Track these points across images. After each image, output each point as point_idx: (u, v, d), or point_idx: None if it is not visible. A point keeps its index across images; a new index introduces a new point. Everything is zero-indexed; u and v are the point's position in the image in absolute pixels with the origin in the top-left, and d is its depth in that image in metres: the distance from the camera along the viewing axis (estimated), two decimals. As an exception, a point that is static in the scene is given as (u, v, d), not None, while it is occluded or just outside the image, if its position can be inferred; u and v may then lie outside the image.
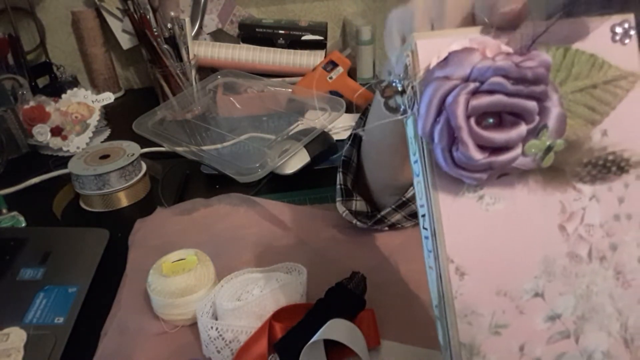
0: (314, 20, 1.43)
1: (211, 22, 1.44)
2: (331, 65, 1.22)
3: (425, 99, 0.31)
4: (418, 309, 0.63)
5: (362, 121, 0.74)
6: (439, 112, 0.31)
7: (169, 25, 1.22)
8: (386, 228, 0.76)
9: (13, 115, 1.09)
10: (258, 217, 0.84)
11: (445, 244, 0.34)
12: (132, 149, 0.93)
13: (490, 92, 0.30)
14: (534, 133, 0.31)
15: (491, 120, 0.31)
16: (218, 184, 0.95)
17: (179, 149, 0.97)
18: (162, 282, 0.62)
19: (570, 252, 0.35)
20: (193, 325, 0.62)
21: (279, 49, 1.34)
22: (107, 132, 1.22)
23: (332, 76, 1.21)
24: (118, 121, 1.26)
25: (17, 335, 0.60)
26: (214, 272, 0.65)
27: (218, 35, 1.48)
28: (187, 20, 1.22)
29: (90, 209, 0.90)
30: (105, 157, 0.91)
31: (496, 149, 0.31)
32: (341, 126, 1.09)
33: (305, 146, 0.94)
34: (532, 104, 0.31)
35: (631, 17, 0.34)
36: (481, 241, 0.34)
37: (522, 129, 0.31)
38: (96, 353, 0.59)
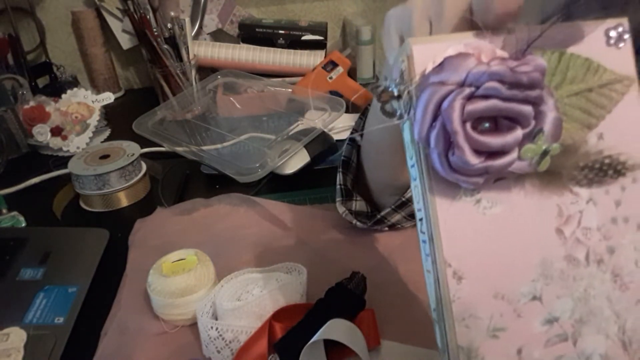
0: (314, 20, 1.43)
1: (211, 22, 1.44)
2: (331, 65, 1.22)
3: (421, 104, 0.32)
4: (418, 309, 0.63)
5: (361, 121, 0.74)
6: (434, 117, 0.31)
7: (169, 25, 1.22)
8: (386, 228, 0.76)
9: (13, 115, 1.09)
10: (258, 217, 0.84)
11: (442, 248, 0.34)
12: (132, 149, 0.93)
13: (486, 97, 0.30)
14: (530, 137, 0.32)
15: (487, 125, 0.31)
16: (218, 184, 0.95)
17: (179, 149, 0.97)
18: (162, 282, 0.62)
19: (567, 255, 0.35)
20: (193, 325, 0.62)
21: (279, 49, 1.34)
22: (107, 132, 1.22)
23: (332, 76, 1.21)
24: (118, 121, 1.26)
25: (17, 335, 0.60)
26: (214, 272, 0.65)
27: (218, 35, 1.47)
28: (187, 20, 1.22)
29: (90, 209, 0.90)
30: (105, 157, 0.91)
31: (492, 153, 0.31)
32: (341, 126, 1.09)
33: (305, 146, 0.94)
34: (527, 109, 0.31)
35: (625, 21, 0.35)
36: (478, 245, 0.34)
37: (518, 133, 0.31)
38: (96, 353, 0.60)
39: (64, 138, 1.11)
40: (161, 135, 1.00)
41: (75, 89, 1.19)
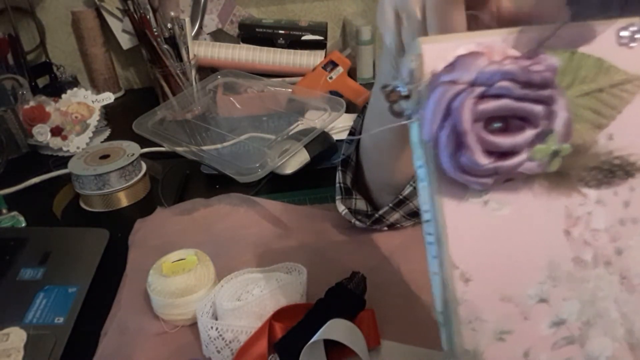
0: (314, 20, 1.43)
1: (211, 22, 1.44)
2: (331, 65, 1.22)
3: (431, 104, 0.31)
4: (418, 309, 0.63)
5: (360, 119, 0.74)
6: (445, 117, 0.31)
7: (169, 25, 1.22)
8: (385, 228, 0.76)
9: (13, 115, 1.09)
10: (258, 217, 0.84)
11: (450, 250, 0.34)
12: (132, 149, 0.93)
13: (497, 96, 0.30)
14: (541, 138, 0.31)
15: (497, 125, 0.31)
16: (218, 184, 0.95)
17: (179, 149, 0.97)
18: (162, 282, 0.62)
19: (575, 257, 0.35)
20: (193, 325, 0.62)
21: (279, 49, 1.34)
22: (107, 132, 1.22)
23: (332, 76, 1.21)
24: (118, 121, 1.26)
25: (17, 335, 0.60)
26: (214, 272, 0.65)
27: (218, 35, 1.47)
28: (187, 20, 1.21)
29: (90, 209, 0.90)
30: (105, 157, 0.90)
31: (502, 153, 0.31)
32: (341, 126, 1.09)
33: (305, 146, 0.94)
34: (538, 108, 0.30)
35: (637, 20, 0.34)
36: (486, 247, 0.34)
37: (529, 133, 0.31)
38: (96, 353, 0.59)
39: (64, 138, 1.11)
40: (161, 135, 1.00)
41: (75, 89, 1.19)
